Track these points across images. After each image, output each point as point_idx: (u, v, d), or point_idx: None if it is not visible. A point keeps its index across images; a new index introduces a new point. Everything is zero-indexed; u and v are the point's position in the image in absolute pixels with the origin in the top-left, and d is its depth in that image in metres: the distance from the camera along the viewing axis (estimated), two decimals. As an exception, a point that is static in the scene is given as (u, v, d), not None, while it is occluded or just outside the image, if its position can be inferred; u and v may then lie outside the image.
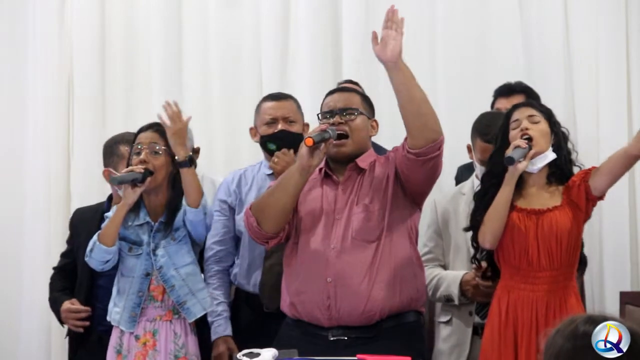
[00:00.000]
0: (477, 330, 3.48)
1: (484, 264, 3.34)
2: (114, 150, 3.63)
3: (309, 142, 2.96)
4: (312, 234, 3.10)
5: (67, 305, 3.58)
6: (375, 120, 3.24)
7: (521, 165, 3.05)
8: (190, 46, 4.87)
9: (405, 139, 3.04)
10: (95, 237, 3.26)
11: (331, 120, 3.11)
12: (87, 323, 3.54)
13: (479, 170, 3.56)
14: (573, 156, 3.20)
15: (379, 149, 3.75)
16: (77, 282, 3.69)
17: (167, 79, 4.83)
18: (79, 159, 4.80)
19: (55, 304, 3.67)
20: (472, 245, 3.27)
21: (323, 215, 3.11)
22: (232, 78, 4.85)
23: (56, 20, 4.89)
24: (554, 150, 3.14)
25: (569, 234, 3.07)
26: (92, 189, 4.28)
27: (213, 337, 3.56)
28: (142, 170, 3.21)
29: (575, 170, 3.19)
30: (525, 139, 3.09)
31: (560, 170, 3.16)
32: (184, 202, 3.26)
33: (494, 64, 4.66)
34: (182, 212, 3.28)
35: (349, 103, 3.16)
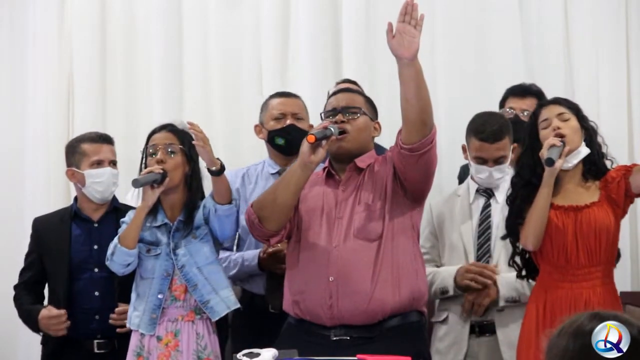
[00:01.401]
0: (474, 329, 3.48)
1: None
2: (76, 149, 3.59)
3: (311, 139, 2.96)
4: (314, 232, 3.10)
5: (44, 313, 3.50)
6: (378, 122, 3.24)
7: (558, 164, 3.02)
8: (190, 46, 4.87)
9: (398, 135, 3.03)
10: (115, 240, 3.23)
11: (334, 119, 3.12)
12: (68, 323, 3.48)
13: (474, 170, 3.56)
14: (603, 149, 3.17)
15: (380, 150, 3.75)
16: (49, 291, 3.64)
17: (167, 79, 4.83)
18: (79, 159, 4.80)
19: (30, 316, 3.59)
20: (514, 248, 3.24)
21: (324, 214, 3.11)
22: (232, 78, 4.85)
23: (56, 20, 4.90)
24: (586, 146, 3.11)
25: (608, 229, 3.04)
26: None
27: (254, 260, 3.54)
28: (161, 171, 3.21)
29: (607, 163, 3.15)
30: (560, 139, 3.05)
31: (595, 165, 3.12)
32: (211, 200, 3.25)
33: (494, 64, 4.66)
34: (202, 210, 3.26)
35: (352, 102, 3.17)
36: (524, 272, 3.27)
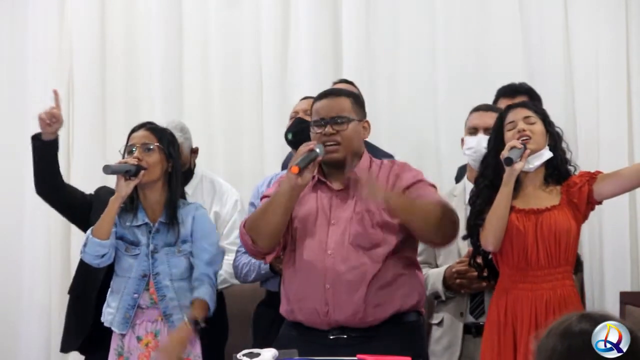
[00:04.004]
0: (470, 329, 3.49)
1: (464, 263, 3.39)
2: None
3: (295, 170, 2.92)
4: (309, 240, 3.09)
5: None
6: (367, 121, 3.21)
7: (518, 165, 3.04)
8: (190, 46, 4.87)
9: None
10: (88, 231, 3.23)
11: (322, 130, 3.08)
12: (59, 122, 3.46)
13: (465, 145, 3.60)
14: (568, 156, 3.19)
15: (373, 149, 3.74)
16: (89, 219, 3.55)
17: (167, 79, 4.83)
18: (79, 159, 4.80)
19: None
20: (475, 249, 3.25)
21: (318, 221, 3.09)
22: (232, 78, 4.85)
23: (56, 20, 4.90)
24: (550, 150, 3.14)
25: (568, 232, 3.07)
26: (93, 188, 4.27)
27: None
28: (135, 163, 3.21)
29: (570, 170, 3.18)
30: (524, 139, 3.07)
31: (557, 170, 3.15)
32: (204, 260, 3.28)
33: (494, 65, 4.65)
34: (191, 223, 3.27)
35: (340, 111, 3.11)
36: (485, 273, 3.28)
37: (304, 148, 3.01)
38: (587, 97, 4.60)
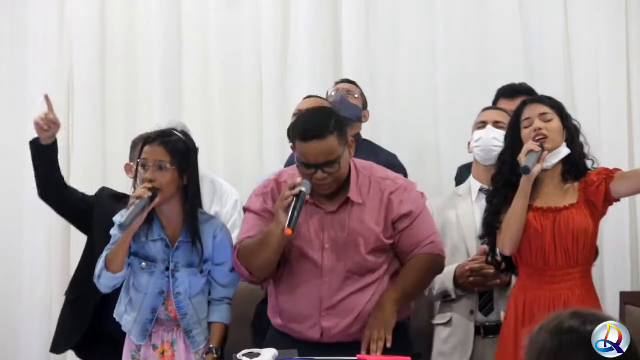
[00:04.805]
0: (479, 330, 3.47)
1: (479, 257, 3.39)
2: (137, 145, 3.58)
3: (289, 232, 2.89)
4: (303, 263, 3.08)
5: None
6: (352, 140, 3.14)
7: (535, 169, 3.00)
8: (190, 46, 4.87)
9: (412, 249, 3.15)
10: (102, 263, 3.13)
11: (312, 173, 2.99)
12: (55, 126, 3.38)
13: (473, 139, 3.59)
14: (585, 150, 3.14)
15: (377, 150, 3.74)
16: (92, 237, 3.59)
17: (167, 79, 4.83)
18: (78, 159, 4.80)
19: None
20: (490, 249, 3.22)
21: (311, 243, 3.08)
22: (232, 78, 4.85)
23: (56, 20, 4.90)
24: (567, 146, 3.09)
25: (586, 231, 3.03)
26: (93, 188, 4.27)
27: None
28: (150, 193, 3.07)
29: (588, 163, 3.13)
30: (540, 139, 3.03)
31: (575, 167, 3.10)
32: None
33: (494, 65, 4.66)
34: (212, 244, 3.19)
35: (329, 154, 2.97)
36: (503, 267, 3.25)
37: (289, 194, 2.93)
38: (587, 97, 4.60)
